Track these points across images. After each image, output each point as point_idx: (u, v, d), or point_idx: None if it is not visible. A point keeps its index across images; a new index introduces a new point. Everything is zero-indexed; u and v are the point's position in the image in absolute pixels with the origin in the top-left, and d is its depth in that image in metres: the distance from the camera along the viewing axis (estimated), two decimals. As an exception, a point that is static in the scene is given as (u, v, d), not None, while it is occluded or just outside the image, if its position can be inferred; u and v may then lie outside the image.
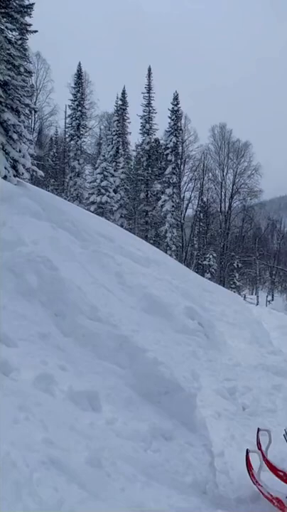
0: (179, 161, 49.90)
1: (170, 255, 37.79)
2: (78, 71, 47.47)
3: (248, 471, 5.28)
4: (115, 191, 45.00)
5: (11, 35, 18.24)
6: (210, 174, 56.72)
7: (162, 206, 46.49)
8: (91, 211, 33.97)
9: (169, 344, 9.67)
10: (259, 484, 5.14)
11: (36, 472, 3.51)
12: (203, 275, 39.22)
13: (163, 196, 46.53)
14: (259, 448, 5.55)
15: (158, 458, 5.08)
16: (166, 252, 37.33)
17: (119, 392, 6.44)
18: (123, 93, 50.24)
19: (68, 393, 5.60)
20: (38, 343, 6.50)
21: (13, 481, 3.24)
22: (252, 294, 57.15)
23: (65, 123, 49.31)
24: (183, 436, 6.10)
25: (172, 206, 46.64)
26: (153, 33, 76.31)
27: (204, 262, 50.21)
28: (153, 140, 49.53)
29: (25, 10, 18.70)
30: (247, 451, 5.30)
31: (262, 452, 5.51)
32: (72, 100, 47.27)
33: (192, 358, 9.95)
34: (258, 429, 5.62)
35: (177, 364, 8.11)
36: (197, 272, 36.22)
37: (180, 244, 49.85)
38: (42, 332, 6.85)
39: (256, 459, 5.36)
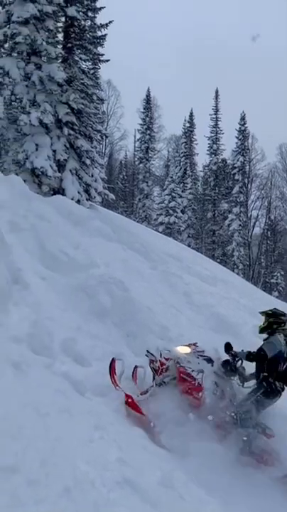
0: (246, 180, 49.42)
1: (237, 274, 37.34)
2: (147, 96, 48.22)
3: (110, 375, 5.92)
4: (183, 212, 45.10)
5: (84, 66, 18.89)
6: (278, 192, 55.63)
7: (229, 225, 46.10)
8: (159, 232, 34.19)
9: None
10: (118, 386, 5.85)
11: (112, 492, 3.55)
12: (270, 293, 38.43)
13: (230, 215, 46.16)
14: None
15: (235, 481, 5.00)
16: (233, 271, 36.93)
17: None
18: (191, 115, 50.49)
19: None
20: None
21: (92, 500, 3.30)
22: None
23: (134, 147, 50.10)
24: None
25: (240, 225, 46.15)
26: (219, 55, 76.42)
27: (272, 280, 49.14)
28: (220, 160, 49.41)
29: (98, 41, 19.34)
30: (113, 359, 6.02)
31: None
32: (141, 124, 47.98)
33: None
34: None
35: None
36: (264, 291, 35.54)
37: (247, 263, 49.11)
38: (116, 352, 6.93)
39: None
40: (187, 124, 50.42)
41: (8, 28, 15.95)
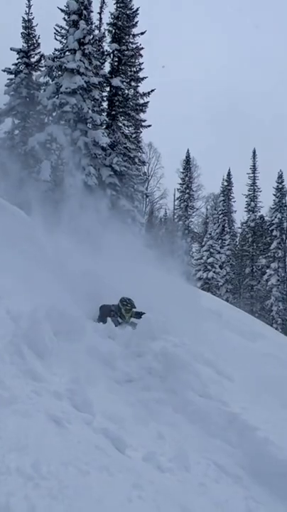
0: (284, 236, 49.08)
1: (276, 329, 36.51)
2: (187, 157, 49.26)
3: None
4: (221, 267, 44.99)
5: (127, 131, 19.58)
6: None
7: (267, 280, 45.57)
8: (197, 287, 34.05)
9: (278, 423, 9.16)
10: None
11: None
12: (311, 349, 37.28)
13: (268, 270, 45.72)
14: None
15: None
16: (272, 326, 36.17)
17: (230, 471, 6.16)
18: (229, 174, 51.20)
19: (179, 472, 5.46)
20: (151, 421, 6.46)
21: None
22: None
23: (174, 205, 50.86)
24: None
25: (278, 280, 45.57)
26: (255, 115, 77.96)
27: (312, 336, 47.89)
28: (257, 217, 49.47)
29: (141, 108, 20.10)
30: None
31: None
32: (180, 184, 48.86)
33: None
34: None
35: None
36: (304, 346, 34.47)
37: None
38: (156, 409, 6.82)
39: None
40: (225, 183, 51.03)
41: (57, 98, 16.78)
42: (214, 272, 43.32)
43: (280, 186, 47.83)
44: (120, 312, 9.35)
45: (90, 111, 16.71)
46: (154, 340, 8.31)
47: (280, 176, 47.98)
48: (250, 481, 6.22)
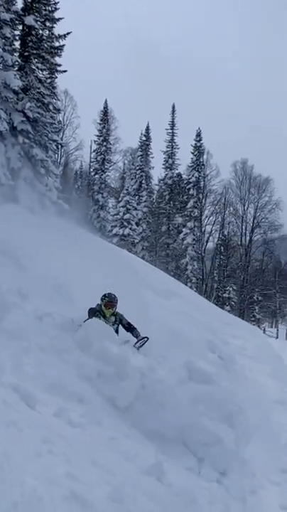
0: (201, 195, 50.14)
1: (191, 288, 37.67)
2: (104, 108, 48.38)
3: None
4: (137, 224, 45.33)
5: (41, 75, 18.79)
6: (231, 208, 56.60)
7: (183, 239, 46.60)
8: (113, 243, 34.16)
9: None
10: None
11: (60, 507, 3.45)
12: (223, 308, 38.94)
13: (184, 229, 46.70)
14: None
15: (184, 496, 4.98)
16: (186, 285, 37.24)
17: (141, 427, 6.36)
18: (147, 129, 51.08)
19: (90, 427, 5.55)
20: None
21: (39, 517, 3.20)
22: (272, 327, 56.33)
23: (90, 158, 50.10)
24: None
25: (193, 239, 46.73)
26: (175, 71, 77.97)
27: (224, 295, 49.86)
28: (175, 175, 50.02)
29: (56, 51, 19.31)
30: None
31: None
32: (97, 136, 48.06)
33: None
34: None
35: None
36: (216, 305, 35.98)
37: (201, 277, 49.66)
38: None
39: None
40: (144, 138, 50.88)
41: None
42: (130, 228, 43.62)
43: (198, 144, 48.51)
44: (102, 310, 8.88)
45: (1, 49, 15.84)
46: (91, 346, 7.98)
47: (198, 134, 48.60)
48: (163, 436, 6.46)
